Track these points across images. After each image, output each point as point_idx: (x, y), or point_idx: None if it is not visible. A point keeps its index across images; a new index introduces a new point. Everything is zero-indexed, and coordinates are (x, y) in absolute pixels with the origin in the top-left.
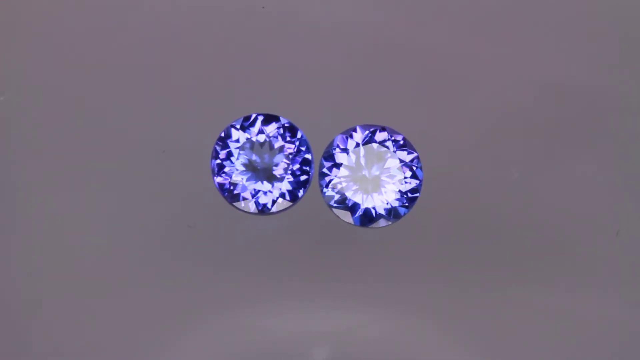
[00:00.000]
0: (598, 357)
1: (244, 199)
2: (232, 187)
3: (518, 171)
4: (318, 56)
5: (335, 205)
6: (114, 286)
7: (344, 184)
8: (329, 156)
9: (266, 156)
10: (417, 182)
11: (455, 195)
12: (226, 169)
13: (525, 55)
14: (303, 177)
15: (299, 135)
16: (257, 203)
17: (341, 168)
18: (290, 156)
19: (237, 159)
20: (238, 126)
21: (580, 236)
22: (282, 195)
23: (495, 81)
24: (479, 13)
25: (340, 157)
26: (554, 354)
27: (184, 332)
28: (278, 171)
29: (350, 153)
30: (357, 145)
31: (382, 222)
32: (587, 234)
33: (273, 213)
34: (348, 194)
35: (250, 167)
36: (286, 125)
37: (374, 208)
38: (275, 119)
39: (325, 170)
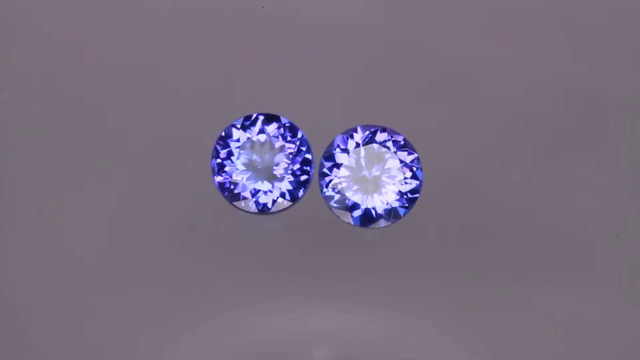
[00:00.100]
0: (598, 358)
1: (244, 198)
2: (232, 187)
3: (519, 173)
4: (319, 56)
5: (335, 205)
6: (114, 286)
7: (344, 184)
8: (329, 156)
9: (266, 156)
10: (418, 182)
11: (455, 196)
12: (226, 169)
13: (526, 56)
14: (303, 177)
15: (299, 135)
16: (257, 203)
17: (341, 168)
18: (291, 156)
19: (238, 158)
20: (239, 125)
21: (580, 237)
22: (282, 195)
23: (496, 82)
24: (480, 14)
25: (340, 157)
26: (554, 354)
27: (184, 332)
28: (278, 171)
29: (351, 153)
30: (358, 145)
31: (382, 223)
32: (587, 235)
33: (273, 213)
34: (348, 194)
35: (250, 166)
36: (287, 125)
37: (374, 208)
38: (276, 118)
39: (325, 170)
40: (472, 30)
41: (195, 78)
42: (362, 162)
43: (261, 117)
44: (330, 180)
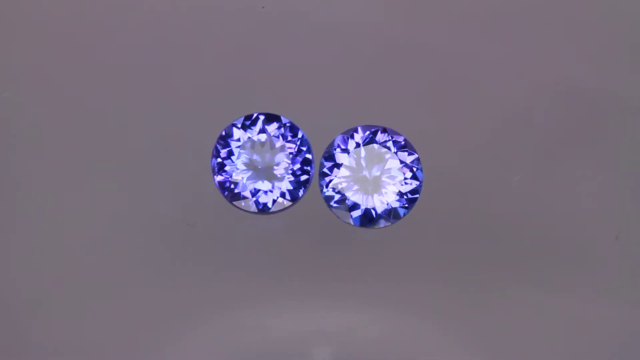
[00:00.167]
0: (597, 358)
1: (244, 198)
2: (232, 186)
3: (519, 174)
4: (319, 56)
5: (335, 205)
6: (114, 286)
7: (344, 184)
8: (330, 156)
9: (267, 155)
10: (418, 183)
11: (456, 197)
12: (227, 168)
13: (526, 57)
14: (303, 177)
15: (299, 135)
16: (257, 202)
17: (342, 168)
18: (291, 156)
19: (238, 158)
20: (239, 125)
21: (580, 238)
22: (283, 194)
23: (496, 82)
24: (479, 14)
25: (340, 157)
26: (554, 354)
27: (184, 331)
28: (279, 171)
29: (351, 153)
30: (358, 145)
31: (382, 223)
32: (587, 236)
33: (273, 212)
34: (348, 195)
35: (250, 166)
36: (287, 124)
37: (374, 209)
38: (277, 118)
39: (325, 170)
40: (472, 30)
41: (196, 78)
42: (363, 162)
43: (262, 117)
44: (331, 181)
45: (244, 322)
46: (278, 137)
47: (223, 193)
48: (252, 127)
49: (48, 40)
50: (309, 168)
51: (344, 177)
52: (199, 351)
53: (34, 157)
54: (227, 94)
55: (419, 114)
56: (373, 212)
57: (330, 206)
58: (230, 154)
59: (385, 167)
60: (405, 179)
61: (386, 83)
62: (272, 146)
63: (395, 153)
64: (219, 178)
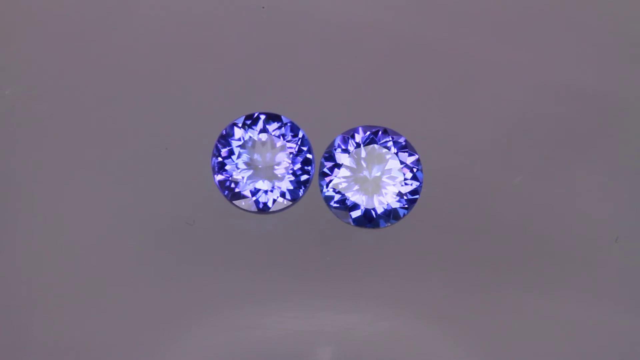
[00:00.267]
0: None
1: (245, 197)
2: (232, 185)
3: (519, 176)
4: (321, 56)
5: (335, 205)
6: (114, 285)
7: (344, 185)
8: (330, 156)
9: (267, 155)
10: (418, 184)
11: (455, 197)
12: (227, 167)
13: (527, 59)
14: (304, 177)
15: (300, 135)
16: (257, 202)
17: (342, 168)
18: (292, 155)
19: (239, 157)
20: (240, 124)
21: (580, 241)
22: (283, 194)
23: (497, 84)
24: (481, 16)
25: (341, 157)
26: (552, 356)
27: (184, 331)
28: (279, 170)
29: (352, 154)
30: (358, 145)
31: (381, 223)
32: (586, 239)
33: (273, 212)
34: (348, 195)
35: (251, 165)
36: (288, 124)
37: (373, 209)
38: (278, 118)
39: (325, 170)
40: (472, 32)
41: (197, 77)
42: (363, 162)
43: (263, 117)
44: (331, 181)
45: (244, 321)
46: (279, 136)
47: (223, 192)
48: (253, 127)
49: (49, 39)
50: (309, 168)
51: (344, 177)
52: (198, 350)
53: (34, 155)
54: (228, 93)
55: (419, 115)
56: (373, 213)
57: (330, 206)
58: (230, 153)
59: (386, 168)
60: (405, 179)
61: (387, 84)
62: (273, 146)
63: (396, 154)
64: (219, 177)
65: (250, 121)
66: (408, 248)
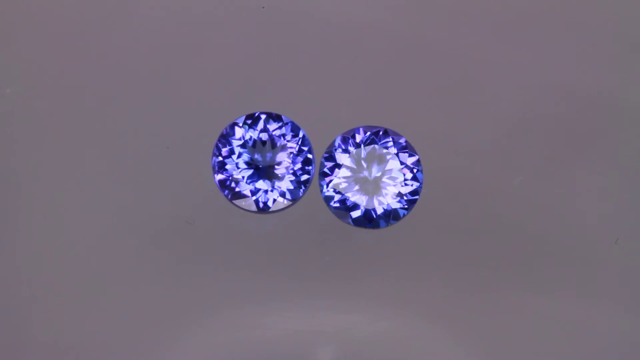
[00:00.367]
0: None
1: (245, 197)
2: (232, 185)
3: (519, 177)
4: (322, 56)
5: (335, 205)
6: (113, 284)
7: (344, 185)
8: (330, 156)
9: (268, 155)
10: (418, 184)
11: (455, 198)
12: (227, 167)
13: (528, 60)
14: (304, 177)
15: (301, 135)
16: (257, 201)
17: (342, 169)
18: (292, 155)
19: (239, 156)
20: (241, 124)
21: (580, 242)
22: (283, 194)
23: (498, 85)
24: (482, 17)
25: (341, 157)
26: (552, 357)
27: (184, 330)
28: (279, 170)
29: (352, 154)
30: (359, 146)
31: (381, 224)
32: (586, 240)
33: (273, 212)
34: (348, 195)
35: (251, 165)
36: (289, 124)
37: (373, 209)
38: (278, 117)
39: (326, 170)
40: (473, 32)
41: (198, 76)
42: (363, 163)
43: (263, 116)
44: (331, 181)
45: (244, 321)
46: (279, 136)
47: (223, 192)
48: (254, 126)
49: (49, 39)
50: (309, 168)
51: (344, 177)
52: (198, 350)
53: (35, 153)
54: (229, 92)
55: (420, 116)
56: (373, 213)
57: (330, 206)
58: (231, 152)
59: (386, 168)
60: (405, 180)
61: (388, 84)
62: (274, 145)
63: (396, 154)
64: (219, 177)
65: (251, 121)
66: (408, 248)
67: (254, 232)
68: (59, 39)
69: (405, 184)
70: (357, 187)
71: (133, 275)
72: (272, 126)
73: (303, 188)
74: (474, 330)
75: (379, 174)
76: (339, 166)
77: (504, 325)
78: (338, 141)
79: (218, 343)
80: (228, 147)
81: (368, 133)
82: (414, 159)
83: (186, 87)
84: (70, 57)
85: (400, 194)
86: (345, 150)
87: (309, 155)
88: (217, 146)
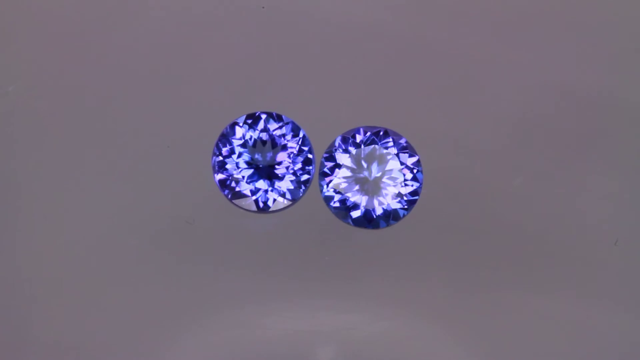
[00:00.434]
0: None
1: (245, 196)
2: (233, 185)
3: (520, 177)
4: (322, 56)
5: (335, 205)
6: (112, 283)
7: (344, 185)
8: (331, 156)
9: (268, 154)
10: (418, 184)
11: (455, 198)
12: (228, 166)
13: (529, 60)
14: (304, 177)
15: (301, 135)
16: (257, 201)
17: (342, 169)
18: (292, 155)
19: (239, 156)
20: (241, 123)
21: (579, 242)
22: (283, 194)
23: (498, 85)
24: (483, 17)
25: (341, 157)
26: (551, 357)
27: (183, 329)
28: (280, 170)
29: (352, 154)
30: (359, 146)
31: (381, 224)
32: (586, 240)
33: (273, 212)
34: (348, 195)
35: (251, 165)
36: (289, 124)
37: (373, 209)
38: (279, 117)
39: (326, 170)
40: (473, 32)
41: (198, 76)
42: (363, 163)
43: (264, 116)
44: (331, 181)
45: (244, 321)
46: (280, 136)
47: (223, 191)
48: (254, 126)
49: (49, 39)
50: (309, 168)
51: (344, 177)
52: (198, 350)
53: (35, 154)
54: (229, 92)
55: (420, 116)
56: (373, 213)
57: (330, 206)
58: (231, 152)
59: (386, 169)
60: (405, 180)
61: (388, 84)
62: (274, 145)
63: (396, 154)
64: (219, 176)
65: (251, 120)
66: (408, 248)
67: (254, 232)
68: (59, 39)
69: (405, 185)
70: (357, 187)
71: (133, 275)
72: (273, 126)
73: (303, 188)
74: (474, 330)
75: (379, 174)
76: (339, 166)
77: (504, 325)
78: (338, 141)
79: (218, 343)
80: (228, 147)
81: (368, 133)
82: (414, 159)
83: (186, 87)
84: (70, 57)
85: (400, 194)
86: (346, 151)
87: (309, 155)
88: (217, 146)
